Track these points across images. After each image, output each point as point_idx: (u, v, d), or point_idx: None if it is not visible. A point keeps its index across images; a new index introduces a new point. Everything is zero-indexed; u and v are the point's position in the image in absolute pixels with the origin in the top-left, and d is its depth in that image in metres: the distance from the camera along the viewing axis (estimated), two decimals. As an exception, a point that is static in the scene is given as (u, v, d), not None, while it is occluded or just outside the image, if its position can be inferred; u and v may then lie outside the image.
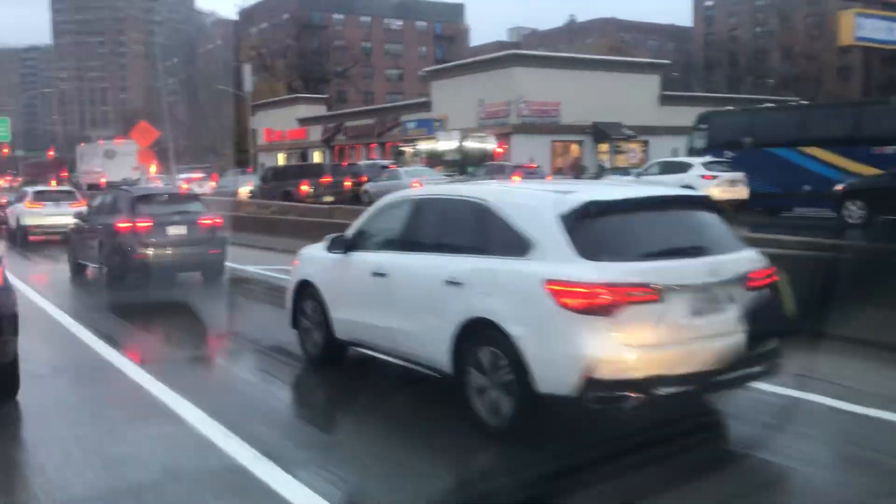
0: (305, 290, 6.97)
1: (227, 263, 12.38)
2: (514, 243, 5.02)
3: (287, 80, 64.71)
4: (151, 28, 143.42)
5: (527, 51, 56.62)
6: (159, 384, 6.34)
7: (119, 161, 44.14)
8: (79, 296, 12.69)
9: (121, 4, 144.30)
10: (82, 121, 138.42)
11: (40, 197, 21.56)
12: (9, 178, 78.35)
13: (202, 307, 10.65)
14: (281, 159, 55.96)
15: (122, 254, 11.60)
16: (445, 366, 5.36)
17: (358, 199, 25.72)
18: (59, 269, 14.92)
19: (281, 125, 57.19)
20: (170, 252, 11.67)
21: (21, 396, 6.00)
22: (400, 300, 5.89)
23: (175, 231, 11.93)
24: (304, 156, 55.11)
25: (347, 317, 6.46)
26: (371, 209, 6.75)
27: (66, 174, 59.29)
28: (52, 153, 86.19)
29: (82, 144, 55.46)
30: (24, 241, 20.34)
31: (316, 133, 54.35)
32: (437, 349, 5.39)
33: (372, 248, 6.38)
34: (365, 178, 28.04)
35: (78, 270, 13.65)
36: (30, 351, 6.61)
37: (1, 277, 5.73)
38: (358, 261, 6.41)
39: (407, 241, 6.04)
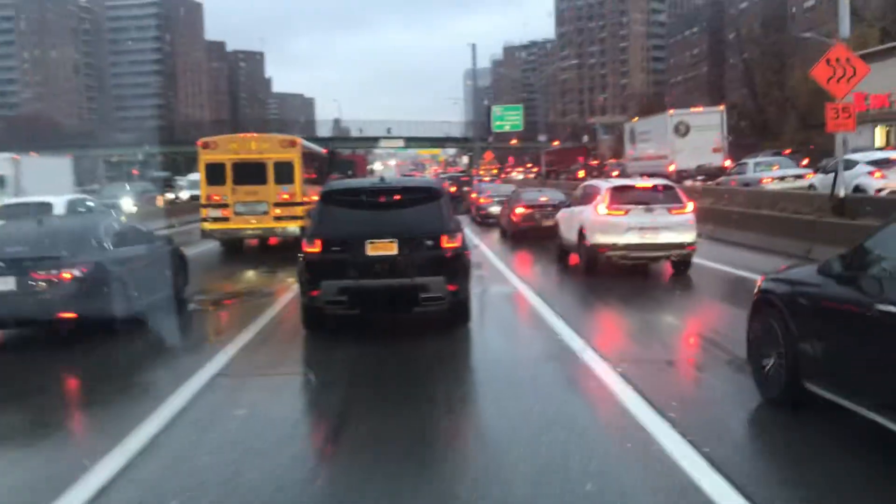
0: None
1: None
2: None
3: (883, 25, 45.71)
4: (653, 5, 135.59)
5: None
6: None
7: (693, 139, 31.51)
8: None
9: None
10: (581, 110, 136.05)
11: (621, 197, 12.78)
12: (521, 169, 73.87)
13: None
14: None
15: None
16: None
17: None
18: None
19: (872, 88, 39.54)
20: None
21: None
22: None
23: None
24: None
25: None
26: None
27: (585, 160, 50.90)
28: (556, 143, 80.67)
29: (635, 119, 44.08)
30: (592, 268, 12.77)
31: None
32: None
33: None
34: None
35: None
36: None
37: (460, 241, 8.05)
38: None
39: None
